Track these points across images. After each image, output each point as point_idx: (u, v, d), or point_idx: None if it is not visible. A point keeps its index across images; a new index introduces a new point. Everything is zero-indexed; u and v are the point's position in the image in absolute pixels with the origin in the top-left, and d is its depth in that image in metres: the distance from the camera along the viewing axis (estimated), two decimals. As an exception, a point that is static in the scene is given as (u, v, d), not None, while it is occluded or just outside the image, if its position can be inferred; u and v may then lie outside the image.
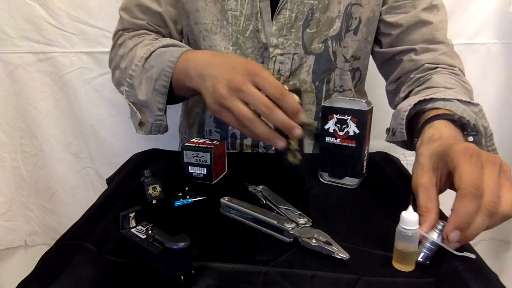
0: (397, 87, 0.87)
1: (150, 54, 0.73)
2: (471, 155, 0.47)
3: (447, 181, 0.53)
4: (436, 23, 0.81)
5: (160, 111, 0.74)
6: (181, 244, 0.43)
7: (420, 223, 0.47)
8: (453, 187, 0.49)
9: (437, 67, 0.80)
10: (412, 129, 0.71)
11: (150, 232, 0.49)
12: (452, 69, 0.80)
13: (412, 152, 1.29)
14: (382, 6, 0.83)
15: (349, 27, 0.82)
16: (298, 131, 0.56)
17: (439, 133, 0.60)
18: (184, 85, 0.69)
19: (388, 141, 0.77)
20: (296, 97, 0.57)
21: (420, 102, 0.68)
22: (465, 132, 0.61)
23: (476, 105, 0.68)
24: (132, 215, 0.51)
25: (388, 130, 0.76)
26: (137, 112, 0.74)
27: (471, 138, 0.61)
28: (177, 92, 0.74)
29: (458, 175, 0.47)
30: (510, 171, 0.48)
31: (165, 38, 0.81)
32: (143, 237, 0.49)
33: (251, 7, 0.78)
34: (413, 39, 0.82)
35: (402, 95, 0.82)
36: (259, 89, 0.56)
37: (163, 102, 0.73)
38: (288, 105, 0.55)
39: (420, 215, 0.48)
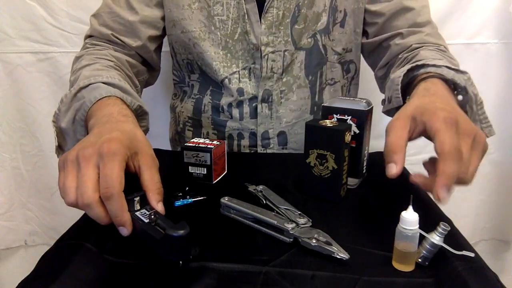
0: (386, 71, 0.88)
1: (87, 85, 0.67)
2: (451, 125, 0.50)
3: (418, 136, 0.54)
4: (418, 9, 0.83)
5: None
6: (181, 232, 0.45)
7: (390, 162, 0.49)
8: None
9: (423, 45, 0.82)
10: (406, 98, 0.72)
11: (153, 217, 0.50)
12: (438, 47, 0.82)
13: (412, 152, 1.30)
14: None
15: (335, 20, 0.84)
16: (124, 230, 0.49)
17: (434, 87, 0.62)
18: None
19: (384, 112, 0.77)
20: None
21: (412, 69, 0.70)
22: (455, 92, 0.64)
23: (465, 73, 0.70)
24: (137, 199, 0.52)
25: (383, 100, 0.77)
26: (56, 138, 0.66)
27: (460, 97, 0.64)
28: None
29: (439, 141, 0.48)
30: (483, 142, 0.51)
31: (116, 69, 0.75)
32: (146, 221, 0.50)
33: (237, 10, 0.80)
34: (398, 25, 0.84)
35: (392, 76, 0.82)
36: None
37: (84, 134, 0.64)
38: (111, 208, 0.48)
39: (389, 152, 0.50)
